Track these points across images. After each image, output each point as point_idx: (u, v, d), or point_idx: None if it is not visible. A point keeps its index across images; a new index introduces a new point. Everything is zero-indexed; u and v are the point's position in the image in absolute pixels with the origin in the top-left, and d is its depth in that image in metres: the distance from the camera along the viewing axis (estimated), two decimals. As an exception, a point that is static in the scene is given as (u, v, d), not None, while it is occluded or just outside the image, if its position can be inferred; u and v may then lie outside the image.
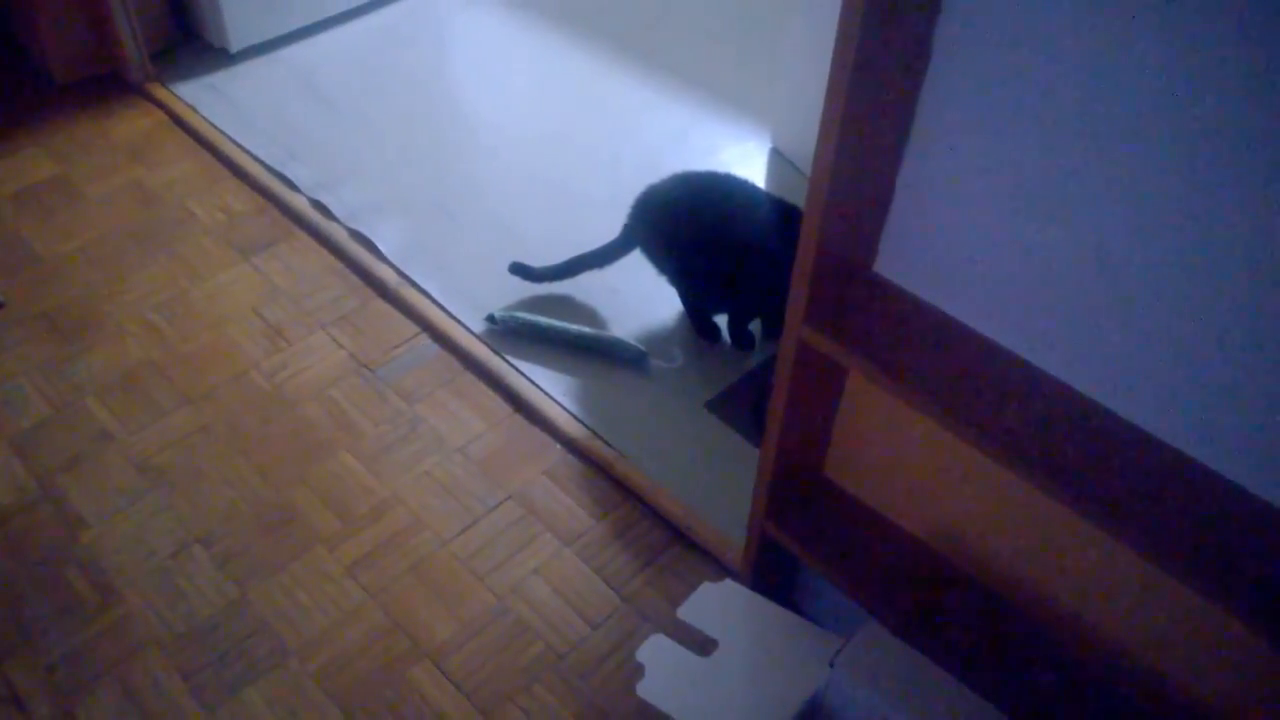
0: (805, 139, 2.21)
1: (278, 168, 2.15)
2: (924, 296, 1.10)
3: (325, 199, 2.09)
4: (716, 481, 1.67)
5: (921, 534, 1.23)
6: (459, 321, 1.88)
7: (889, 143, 1.03)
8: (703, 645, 1.23)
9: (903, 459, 1.21)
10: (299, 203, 2.09)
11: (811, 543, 1.25)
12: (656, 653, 1.20)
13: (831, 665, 1.09)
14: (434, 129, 2.31)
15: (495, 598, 1.52)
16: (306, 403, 1.76)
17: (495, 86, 2.45)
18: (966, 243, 1.04)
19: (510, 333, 1.86)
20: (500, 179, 2.19)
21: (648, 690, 1.15)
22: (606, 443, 1.71)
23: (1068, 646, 1.12)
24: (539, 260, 1.94)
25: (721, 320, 1.90)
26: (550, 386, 1.79)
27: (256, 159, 2.17)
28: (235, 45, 2.38)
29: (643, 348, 1.84)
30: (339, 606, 1.50)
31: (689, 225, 1.81)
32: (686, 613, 1.25)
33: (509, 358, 1.83)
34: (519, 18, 2.62)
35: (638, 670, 1.23)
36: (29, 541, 1.55)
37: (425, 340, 1.87)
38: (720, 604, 1.24)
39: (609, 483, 1.67)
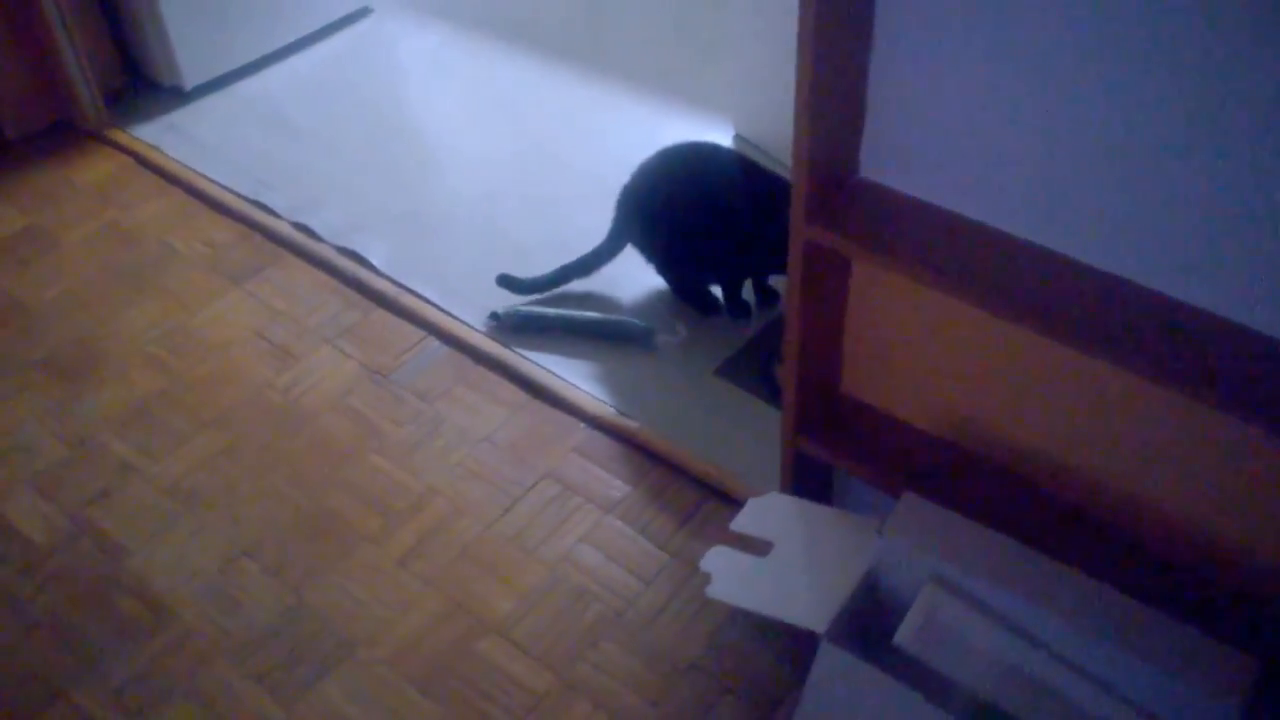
0: (766, 121, 2.38)
1: (254, 196, 2.24)
2: (909, 192, 1.25)
3: (307, 221, 2.18)
4: (737, 440, 1.80)
5: (943, 432, 1.38)
6: (463, 321, 1.99)
7: (858, 48, 1.18)
8: (758, 549, 1.36)
9: (916, 360, 1.36)
10: (281, 227, 2.17)
11: (842, 450, 1.40)
12: (719, 560, 1.33)
13: (879, 533, 1.22)
14: (401, 148, 2.42)
15: (547, 568, 1.62)
16: (325, 413, 1.84)
17: (454, 104, 2.57)
18: (942, 132, 1.19)
19: (515, 327, 1.97)
20: (476, 192, 2.31)
21: (717, 591, 1.28)
22: (627, 415, 1.83)
23: (1102, 514, 1.27)
24: (526, 266, 2.06)
25: (715, 295, 2.04)
26: (563, 371, 1.91)
27: (230, 190, 2.26)
28: (190, 83, 2.47)
29: (647, 325, 1.97)
30: (396, 597, 1.58)
31: (671, 195, 1.94)
32: (739, 524, 1.38)
33: (518, 349, 1.94)
34: (467, 36, 2.76)
35: (704, 578, 1.35)
36: (74, 575, 1.60)
37: (432, 342, 1.97)
38: (768, 512, 1.37)
39: (637, 452, 1.79)
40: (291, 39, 2.65)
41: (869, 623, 1.19)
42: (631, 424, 1.82)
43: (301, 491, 1.72)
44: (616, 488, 1.74)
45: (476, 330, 1.98)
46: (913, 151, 1.23)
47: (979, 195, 1.21)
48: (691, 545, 1.66)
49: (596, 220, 2.02)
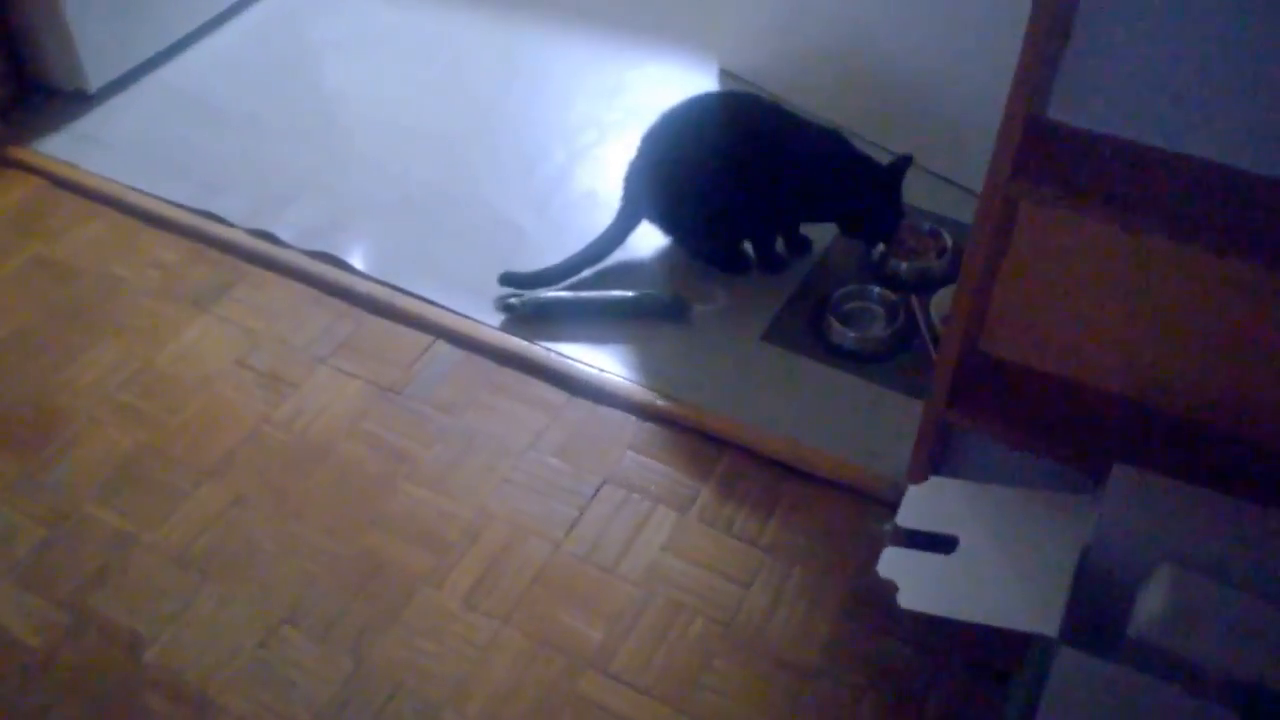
0: (754, 53, 2.23)
1: (199, 205, 1.99)
2: (1096, 128, 1.13)
3: (268, 227, 1.95)
4: (802, 408, 1.67)
5: (1114, 386, 1.26)
6: (472, 318, 1.80)
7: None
8: (936, 545, 1.23)
9: (1090, 313, 1.23)
10: (238, 237, 1.94)
11: (1007, 422, 1.27)
12: (898, 564, 1.19)
13: (1096, 512, 1.10)
14: (353, 129, 2.19)
15: (633, 586, 1.47)
16: (340, 444, 1.64)
17: (401, 73, 2.34)
18: (1137, 58, 1.07)
19: (533, 317, 1.79)
20: (449, 169, 2.10)
21: (911, 600, 1.15)
22: (679, 401, 1.68)
23: None
24: (525, 245, 1.90)
25: (745, 253, 1.90)
26: (599, 360, 1.74)
27: (170, 202, 2.00)
28: (95, 83, 2.18)
29: (680, 296, 1.81)
30: (472, 642, 1.41)
31: (690, 155, 1.79)
32: (905, 519, 1.25)
33: (543, 343, 1.76)
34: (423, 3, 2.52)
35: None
36: (86, 677, 1.38)
37: (443, 346, 1.78)
38: (935, 501, 1.25)
39: (698, 439, 1.64)
40: (201, 19, 2.38)
41: (1085, 613, 1.08)
42: (686, 409, 1.66)
43: (334, 538, 1.53)
44: (686, 484, 1.59)
45: (490, 326, 1.79)
46: (1103, 84, 1.10)
47: (1176, 125, 1.09)
48: (784, 536, 1.52)
49: (590, 178, 1.87)
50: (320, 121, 2.21)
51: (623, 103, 2.23)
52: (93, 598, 1.46)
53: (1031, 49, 1.05)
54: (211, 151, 2.13)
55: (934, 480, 1.29)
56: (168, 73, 2.31)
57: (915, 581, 1.16)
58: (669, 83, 2.26)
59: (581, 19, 2.45)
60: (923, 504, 1.25)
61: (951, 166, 2.02)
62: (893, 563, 1.20)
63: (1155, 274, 1.18)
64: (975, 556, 1.17)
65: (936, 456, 1.45)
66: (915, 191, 1.90)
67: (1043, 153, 1.13)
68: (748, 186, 1.79)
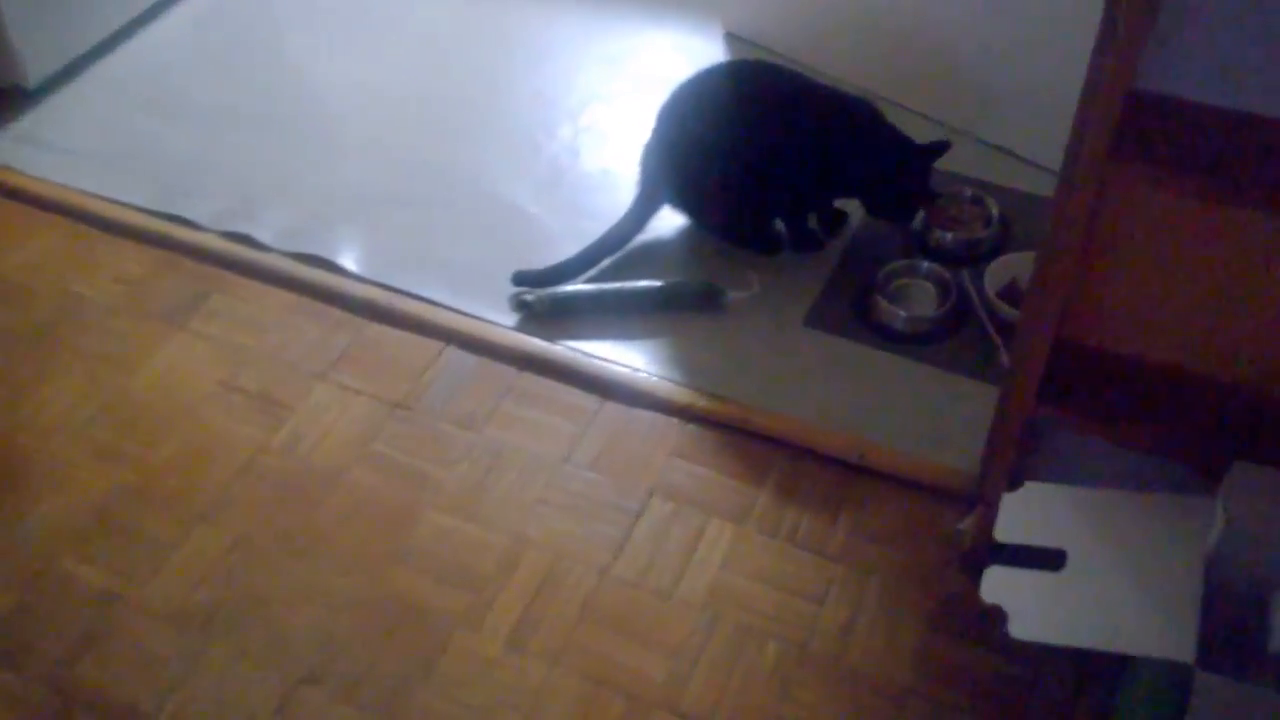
0: (763, 12, 2.07)
1: (163, 209, 1.79)
2: (1190, 96, 0.99)
3: (244, 229, 1.76)
4: (857, 398, 1.53)
5: (1228, 375, 1.12)
6: (484, 319, 1.63)
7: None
8: (1040, 560, 1.09)
9: (1191, 293, 1.09)
10: (211, 242, 1.74)
11: (1107, 417, 1.12)
12: (1003, 586, 1.05)
13: (1222, 517, 0.97)
14: (326, 115, 2.00)
15: (695, 611, 1.32)
16: (350, 470, 1.47)
17: (372, 51, 2.14)
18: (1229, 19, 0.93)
19: (553, 314, 1.63)
20: (441, 155, 1.91)
21: (1024, 629, 1.00)
22: (723, 399, 1.53)
23: None
24: (535, 236, 1.74)
25: (777, 232, 1.74)
26: (629, 358, 1.58)
27: (130, 205, 1.80)
28: (33, 78, 1.97)
29: (711, 282, 1.65)
30: (521, 689, 1.26)
31: (716, 132, 1.63)
32: (1004, 533, 1.11)
33: (565, 342, 1.60)
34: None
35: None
36: (81, 764, 1.21)
37: (455, 353, 1.61)
38: (1035, 510, 1.10)
39: (749, 440, 1.49)
40: (149, 2, 2.17)
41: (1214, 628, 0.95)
42: (732, 408, 1.51)
43: (352, 580, 1.36)
44: (740, 491, 1.44)
45: (505, 327, 1.62)
46: (1196, 46, 0.95)
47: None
48: (854, 542, 1.38)
49: (599, 156, 1.73)
50: (291, 110, 2.01)
51: (626, 73, 2.06)
52: (79, 669, 1.28)
53: (1132, 10, 0.90)
54: (171, 148, 1.93)
55: (1029, 487, 1.14)
56: (114, 63, 2.10)
57: (1025, 606, 1.02)
58: (673, 49, 2.10)
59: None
60: (1020, 514, 1.10)
61: (987, 129, 1.87)
62: (997, 585, 1.05)
63: (1273, 250, 1.05)
64: (1088, 572, 1.03)
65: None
66: (948, 157, 1.75)
67: (1137, 126, 0.98)
68: (776, 161, 1.63)
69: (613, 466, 1.47)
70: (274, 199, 1.82)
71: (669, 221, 1.76)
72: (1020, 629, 1.01)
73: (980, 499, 1.35)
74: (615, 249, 1.71)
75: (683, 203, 1.73)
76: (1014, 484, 1.15)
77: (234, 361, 1.60)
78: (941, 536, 1.38)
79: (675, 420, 1.52)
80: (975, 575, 1.32)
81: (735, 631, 1.30)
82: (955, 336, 1.61)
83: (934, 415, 1.51)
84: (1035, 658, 1.26)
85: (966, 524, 1.37)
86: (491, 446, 1.49)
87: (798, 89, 1.67)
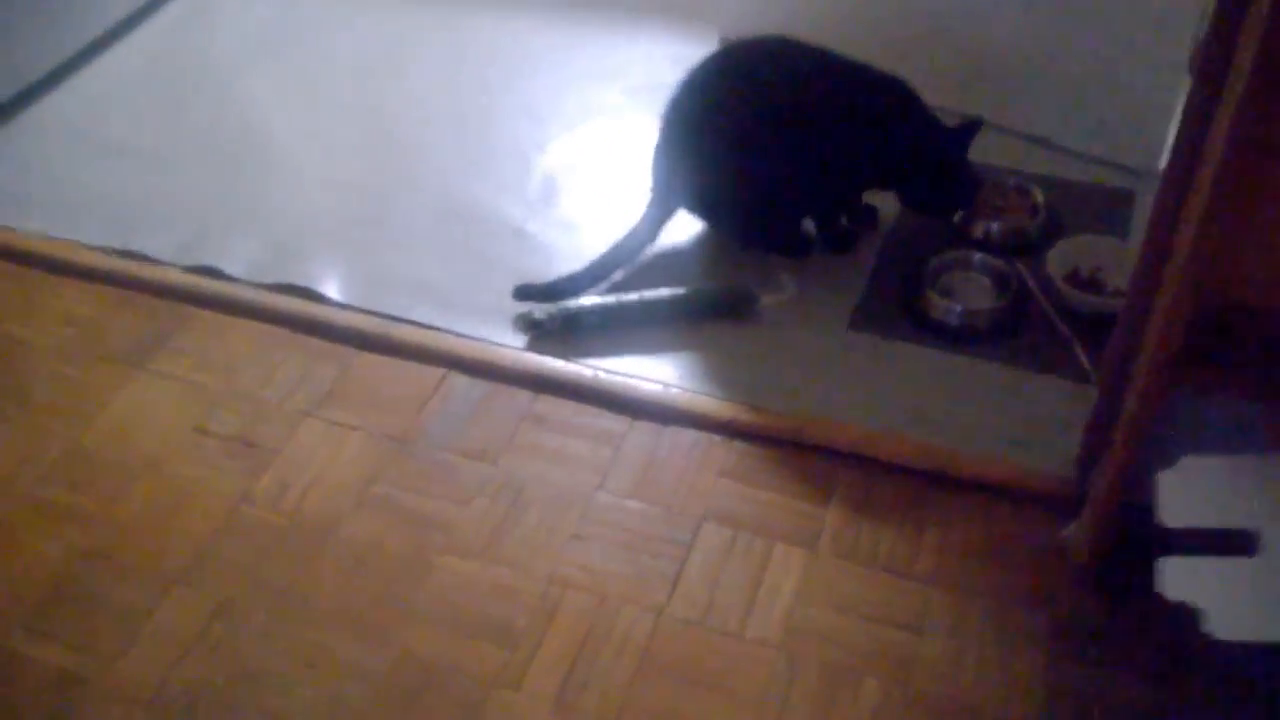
0: (759, 16, 1.96)
1: (118, 245, 1.61)
2: None
3: (211, 261, 1.58)
4: (920, 402, 1.38)
5: None
6: (490, 342, 1.46)
7: None
8: (1223, 544, 0.93)
9: None
10: (173, 277, 1.57)
11: (1259, 379, 0.97)
12: (1187, 579, 0.88)
13: None
14: (302, 144, 1.83)
15: (772, 650, 1.14)
16: (348, 518, 1.28)
17: (349, 79, 1.99)
18: None
19: (566, 331, 1.46)
20: (429, 173, 1.76)
21: (1226, 627, 0.84)
22: (772, 410, 1.36)
23: None
24: (534, 256, 1.59)
25: (806, 232, 1.60)
26: (658, 374, 1.42)
27: (80, 243, 1.62)
28: (-35, 116, 1.80)
29: (742, 286, 1.50)
30: (577, 760, 1.06)
31: (734, 125, 1.48)
32: (1168, 516, 0.95)
33: (584, 361, 1.43)
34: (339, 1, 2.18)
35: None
36: None
37: (459, 380, 1.43)
38: (1204, 487, 0.95)
39: (807, 454, 1.33)
40: (91, 36, 2.02)
41: None
42: (784, 420, 1.35)
43: (361, 644, 1.16)
44: (805, 511, 1.27)
45: (513, 349, 1.46)
46: None
47: None
48: (946, 561, 1.21)
49: (597, 169, 1.60)
50: (253, 140, 1.85)
51: (619, 85, 1.92)
52: (35, 771, 1.07)
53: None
54: (121, 185, 1.75)
55: (1189, 461, 0.99)
56: (54, 102, 1.94)
57: (1221, 603, 0.86)
58: (667, 59, 1.96)
59: (550, 6, 2.16)
60: (1185, 493, 0.95)
61: (1015, 118, 1.76)
62: (1179, 578, 0.89)
63: None
64: None
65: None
66: (980, 148, 1.63)
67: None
68: (801, 153, 1.49)
69: (654, 493, 1.30)
70: (240, 231, 1.65)
71: (688, 224, 1.61)
72: (1226, 628, 0.85)
73: (1084, 502, 1.19)
74: (627, 260, 1.56)
75: (699, 209, 1.59)
76: (1168, 462, 1.00)
77: (204, 403, 1.41)
78: (1045, 548, 1.22)
79: (719, 438, 1.35)
80: (1093, 589, 1.17)
81: (823, 671, 1.12)
82: (1017, 331, 1.47)
83: (1009, 415, 1.36)
84: (1172, 676, 1.10)
85: (1072, 531, 1.21)
86: (511, 480, 1.31)
87: (820, 68, 1.51)
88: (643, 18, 2.06)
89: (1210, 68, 0.97)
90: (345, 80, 1.99)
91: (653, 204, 1.58)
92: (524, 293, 1.51)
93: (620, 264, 1.56)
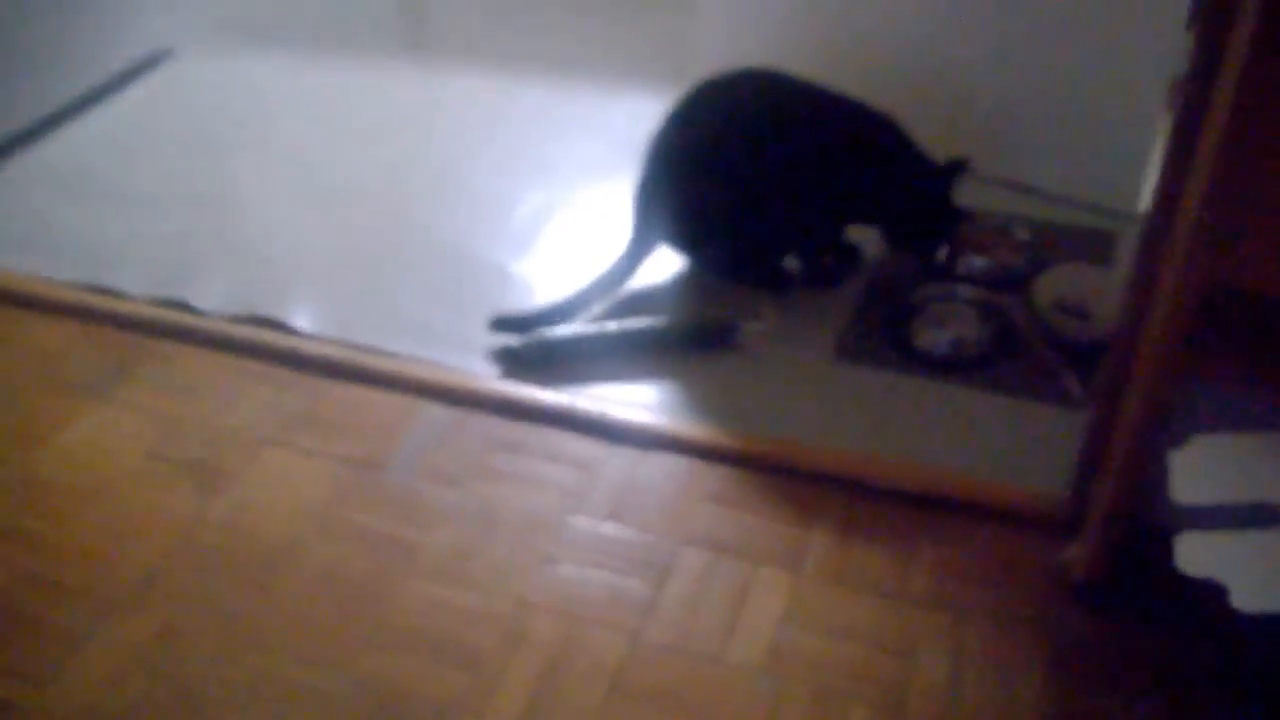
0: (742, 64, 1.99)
1: (89, 280, 1.59)
2: None
3: (181, 295, 1.55)
4: (911, 429, 1.34)
5: None
6: (466, 371, 1.43)
7: None
8: (1242, 519, 0.88)
9: None
10: (141, 311, 1.54)
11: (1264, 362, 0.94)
12: (1204, 551, 0.84)
13: None
14: (281, 192, 1.82)
15: (756, 675, 1.07)
16: (308, 541, 1.22)
17: (330, 135, 2.00)
18: None
19: (543, 361, 1.43)
20: (407, 218, 1.75)
21: (1250, 599, 0.79)
22: (759, 436, 1.32)
23: None
24: (507, 288, 1.57)
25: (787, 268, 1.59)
26: (639, 401, 1.38)
27: (48, 280, 1.60)
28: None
29: (724, 317, 1.48)
30: (544, 788, 0.99)
31: (716, 161, 1.48)
32: (1182, 492, 0.91)
33: (562, 389, 1.39)
34: (303, 61, 2.22)
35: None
36: None
37: (432, 408, 1.39)
38: (1220, 464, 0.91)
39: (793, 479, 1.28)
40: (69, 96, 2.05)
41: None
42: (770, 444, 1.31)
43: (316, 668, 1.09)
44: (790, 535, 1.22)
45: (489, 377, 1.42)
46: None
47: None
48: (941, 584, 1.15)
49: (577, 216, 1.65)
50: (233, 189, 1.85)
51: (605, 139, 1.94)
52: (-49, 801, 0.99)
53: None
54: (99, 228, 1.74)
55: (1201, 440, 0.95)
56: (39, 152, 1.94)
57: (1241, 571, 0.81)
58: (653, 115, 1.99)
59: (531, 64, 2.19)
60: (1199, 471, 0.91)
61: (1000, 166, 1.76)
62: (1198, 554, 0.85)
63: None
64: None
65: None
66: (965, 193, 1.64)
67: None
68: (780, 189, 1.49)
69: (631, 518, 1.24)
70: (212, 268, 1.63)
71: (671, 258, 1.59)
72: (1250, 600, 0.79)
73: (1081, 523, 1.15)
74: (604, 295, 1.53)
75: (678, 242, 1.57)
76: (1177, 443, 0.95)
77: (163, 430, 1.37)
78: (1042, 570, 1.16)
79: (701, 463, 1.31)
80: (1093, 611, 1.12)
81: (811, 696, 1.05)
82: (1004, 359, 1.44)
83: (1002, 440, 1.32)
84: (1186, 701, 1.03)
85: (1071, 552, 1.16)
86: (482, 505, 1.26)
87: (801, 102, 1.52)
88: (629, 77, 2.09)
89: (1191, 101, 0.97)
90: (330, 134, 2.01)
91: (633, 240, 1.56)
92: (501, 324, 1.48)
93: (597, 298, 1.53)
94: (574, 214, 1.75)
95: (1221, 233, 0.92)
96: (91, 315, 1.54)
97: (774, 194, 1.49)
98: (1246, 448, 0.93)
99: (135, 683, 1.08)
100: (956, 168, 1.54)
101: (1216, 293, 0.98)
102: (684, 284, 1.58)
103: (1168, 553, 1.09)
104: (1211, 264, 0.94)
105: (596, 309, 1.52)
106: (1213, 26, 0.91)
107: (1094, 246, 1.63)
